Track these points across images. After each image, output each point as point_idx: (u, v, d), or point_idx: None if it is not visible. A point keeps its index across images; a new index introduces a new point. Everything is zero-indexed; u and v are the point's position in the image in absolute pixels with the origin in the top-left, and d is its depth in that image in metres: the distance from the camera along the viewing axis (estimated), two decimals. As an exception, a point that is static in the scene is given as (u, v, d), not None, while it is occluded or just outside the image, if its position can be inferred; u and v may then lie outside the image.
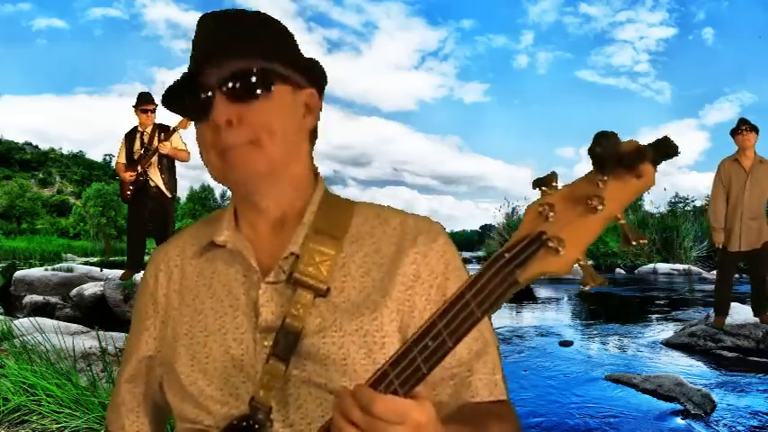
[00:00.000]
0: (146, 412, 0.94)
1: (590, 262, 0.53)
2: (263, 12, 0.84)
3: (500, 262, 0.54)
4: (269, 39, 0.82)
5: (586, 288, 0.53)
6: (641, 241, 0.52)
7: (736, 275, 6.41)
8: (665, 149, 0.49)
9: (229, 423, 0.79)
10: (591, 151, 0.50)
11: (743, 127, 5.58)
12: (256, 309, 0.81)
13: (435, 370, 0.78)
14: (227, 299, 0.83)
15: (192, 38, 0.82)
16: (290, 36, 0.86)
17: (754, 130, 5.57)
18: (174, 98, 0.82)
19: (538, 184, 0.55)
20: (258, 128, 0.78)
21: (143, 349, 0.91)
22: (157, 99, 6.43)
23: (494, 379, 0.82)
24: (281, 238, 0.83)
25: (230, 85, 0.77)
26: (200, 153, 0.83)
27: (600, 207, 0.51)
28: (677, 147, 0.49)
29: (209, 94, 0.78)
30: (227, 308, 0.83)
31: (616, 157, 0.49)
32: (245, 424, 0.77)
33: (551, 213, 0.53)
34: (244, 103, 0.78)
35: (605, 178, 0.51)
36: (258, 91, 0.78)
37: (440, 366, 0.78)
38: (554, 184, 0.54)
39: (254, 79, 0.78)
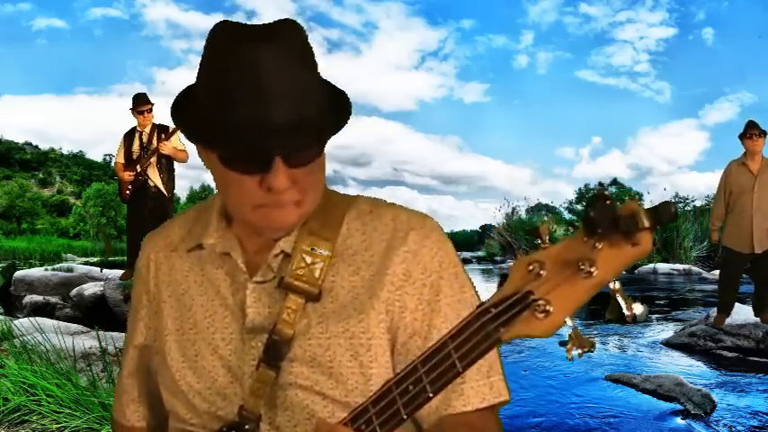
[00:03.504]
0: (147, 401, 0.94)
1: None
2: (311, 48, 0.76)
3: (485, 317, 0.53)
4: (324, 98, 0.76)
5: (571, 355, 0.51)
6: (630, 312, 0.49)
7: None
8: (664, 217, 0.46)
9: (219, 430, 0.78)
10: (585, 215, 0.47)
11: (752, 132, 5.58)
12: (243, 309, 0.80)
13: None
14: (217, 298, 0.83)
15: (232, 59, 0.70)
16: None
17: (764, 134, 5.59)
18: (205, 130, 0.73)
19: (532, 233, 0.52)
20: (306, 190, 0.76)
21: (139, 338, 0.91)
22: (154, 99, 6.46)
23: (488, 382, 0.80)
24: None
25: (295, 156, 0.72)
26: (227, 191, 0.76)
27: (593, 272, 0.48)
28: (677, 213, 0.46)
29: (269, 154, 0.70)
30: (216, 306, 0.83)
31: (611, 223, 0.46)
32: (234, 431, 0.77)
33: (542, 271, 0.51)
34: (299, 169, 0.73)
35: (599, 243, 0.47)
36: (316, 158, 0.75)
37: None
38: (546, 236, 0.52)
39: (316, 150, 0.75)
